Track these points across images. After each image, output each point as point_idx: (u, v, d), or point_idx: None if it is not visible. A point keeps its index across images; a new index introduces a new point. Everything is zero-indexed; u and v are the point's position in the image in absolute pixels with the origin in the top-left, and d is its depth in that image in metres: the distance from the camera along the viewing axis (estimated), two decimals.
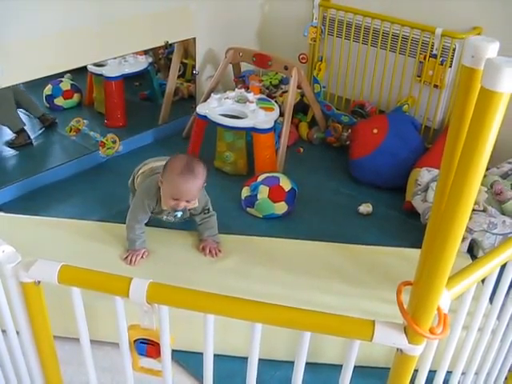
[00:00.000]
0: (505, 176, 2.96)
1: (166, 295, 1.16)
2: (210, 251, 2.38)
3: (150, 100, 4.12)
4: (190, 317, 1.25)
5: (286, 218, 2.89)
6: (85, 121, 3.46)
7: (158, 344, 1.21)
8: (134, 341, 1.23)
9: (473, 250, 2.67)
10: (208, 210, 2.43)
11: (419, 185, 2.82)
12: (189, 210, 2.35)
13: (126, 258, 2.31)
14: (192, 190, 2.22)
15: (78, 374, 1.92)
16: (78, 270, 1.17)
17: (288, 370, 2.00)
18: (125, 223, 2.38)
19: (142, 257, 2.32)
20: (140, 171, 2.53)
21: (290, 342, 1.97)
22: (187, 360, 2.05)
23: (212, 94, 3.25)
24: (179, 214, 2.35)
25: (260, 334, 1.17)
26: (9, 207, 2.85)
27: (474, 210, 2.63)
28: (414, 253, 2.48)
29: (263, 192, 2.81)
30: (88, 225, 2.58)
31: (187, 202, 2.24)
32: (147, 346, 1.23)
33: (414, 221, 2.89)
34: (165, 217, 2.43)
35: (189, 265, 2.33)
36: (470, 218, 2.52)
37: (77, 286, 1.17)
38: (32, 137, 3.51)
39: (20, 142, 3.44)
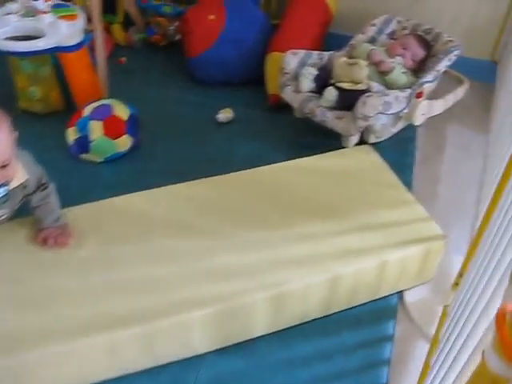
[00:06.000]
0: (372, 41, 2.52)
1: None
2: (55, 241, 1.67)
3: None
4: None
5: (134, 153, 2.24)
6: None
7: None
8: None
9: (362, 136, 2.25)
10: (45, 184, 1.66)
11: (287, 73, 2.27)
12: (22, 186, 1.58)
13: None
14: None
15: None
16: None
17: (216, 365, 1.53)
18: None
19: None
20: None
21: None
22: None
23: None
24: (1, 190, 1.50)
25: None
26: None
27: (360, 90, 2.16)
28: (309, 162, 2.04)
29: (96, 129, 2.11)
30: None
31: (2, 168, 1.45)
32: None
33: (284, 116, 2.40)
34: None
35: (35, 267, 1.59)
36: (365, 103, 2.05)
37: None
38: None
39: None
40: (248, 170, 1.93)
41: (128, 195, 1.82)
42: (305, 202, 1.80)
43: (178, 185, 1.86)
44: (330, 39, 2.75)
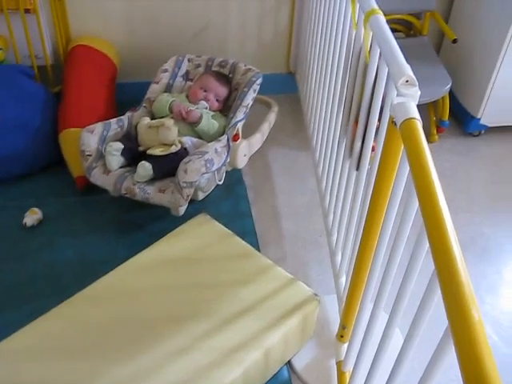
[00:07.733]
0: (168, 88, 2.32)
1: None
2: None
3: None
4: None
5: None
6: None
7: None
8: None
9: None
10: None
11: (89, 155, 1.99)
12: None
13: None
14: None
15: None
16: None
17: None
18: None
19: None
20: None
21: None
22: None
23: None
24: None
25: None
26: None
27: (175, 153, 1.97)
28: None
29: None
30: None
31: None
32: None
33: (102, 195, 2.08)
34: None
35: None
36: (186, 171, 1.85)
37: None
38: None
39: None
40: (79, 293, 1.60)
41: None
42: (160, 310, 1.56)
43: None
44: (119, 91, 2.51)
